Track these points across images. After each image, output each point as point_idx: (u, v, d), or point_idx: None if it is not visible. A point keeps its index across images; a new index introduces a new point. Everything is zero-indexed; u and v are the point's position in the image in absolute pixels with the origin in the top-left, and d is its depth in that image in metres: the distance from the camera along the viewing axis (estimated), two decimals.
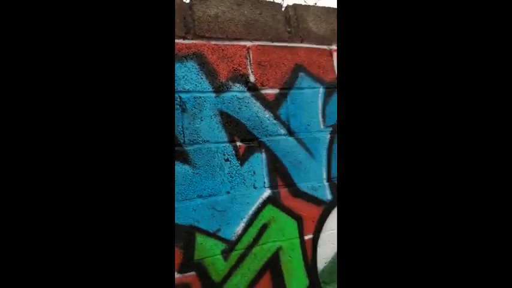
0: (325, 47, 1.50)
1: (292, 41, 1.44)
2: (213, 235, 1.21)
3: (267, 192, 1.32)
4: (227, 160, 1.27)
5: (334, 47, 1.52)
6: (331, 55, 1.51)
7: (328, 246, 1.41)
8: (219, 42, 1.30)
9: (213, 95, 1.27)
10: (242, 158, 1.30)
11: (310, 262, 1.37)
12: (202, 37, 1.27)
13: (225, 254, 1.22)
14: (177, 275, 1.14)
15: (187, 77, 1.23)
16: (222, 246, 1.22)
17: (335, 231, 1.43)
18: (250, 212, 1.28)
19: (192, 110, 1.23)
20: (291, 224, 1.35)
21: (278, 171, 1.36)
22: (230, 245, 1.23)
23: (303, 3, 1.50)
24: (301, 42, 1.45)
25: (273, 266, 1.30)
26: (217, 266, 1.21)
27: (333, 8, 1.54)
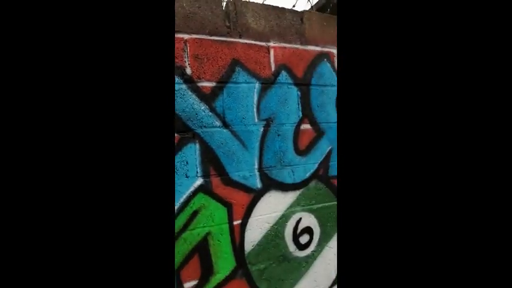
0: (262, 43, 1.57)
1: (230, 36, 1.48)
2: None
3: (199, 181, 1.40)
4: None
5: (272, 43, 1.60)
6: (269, 51, 1.59)
7: (255, 230, 1.54)
8: None
9: None
10: (175, 148, 1.35)
11: (238, 245, 1.49)
12: None
13: None
14: None
15: None
16: None
17: (263, 217, 1.56)
18: (182, 199, 1.35)
19: None
20: (221, 211, 1.45)
21: (211, 162, 1.43)
22: None
23: None
24: (239, 37, 1.51)
25: (202, 249, 1.40)
26: None
27: (272, 5, 1.60)
